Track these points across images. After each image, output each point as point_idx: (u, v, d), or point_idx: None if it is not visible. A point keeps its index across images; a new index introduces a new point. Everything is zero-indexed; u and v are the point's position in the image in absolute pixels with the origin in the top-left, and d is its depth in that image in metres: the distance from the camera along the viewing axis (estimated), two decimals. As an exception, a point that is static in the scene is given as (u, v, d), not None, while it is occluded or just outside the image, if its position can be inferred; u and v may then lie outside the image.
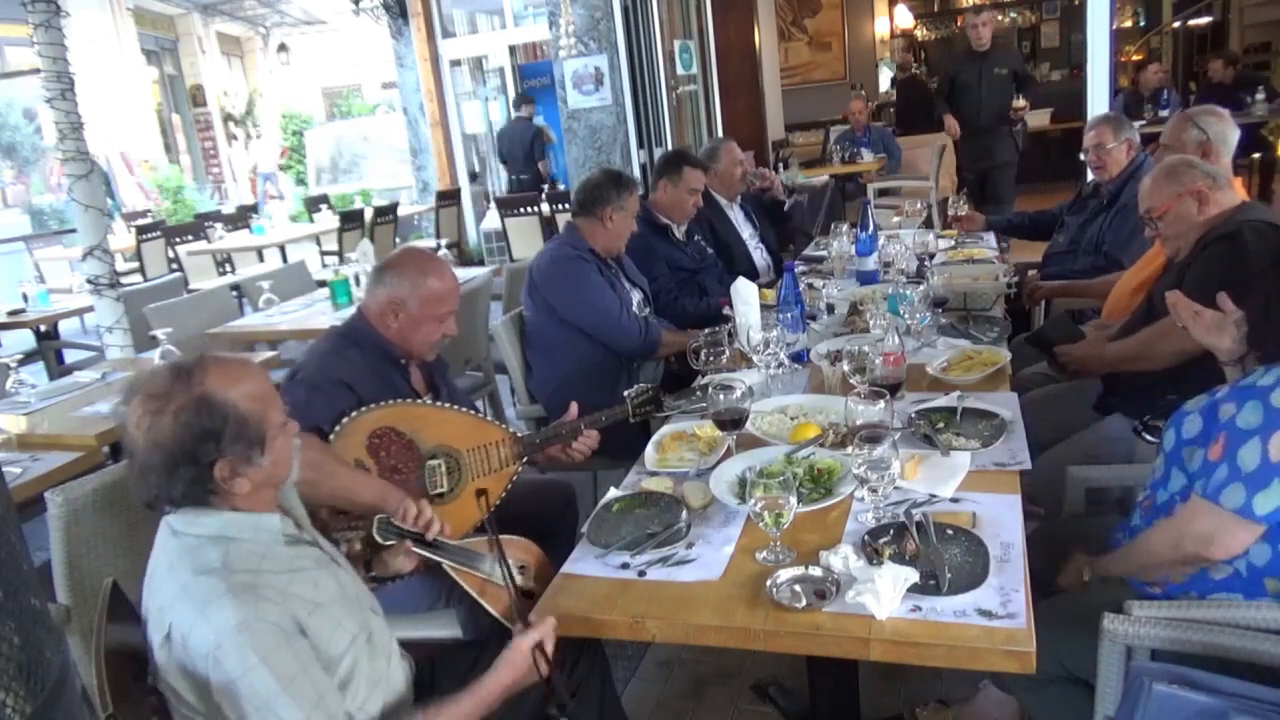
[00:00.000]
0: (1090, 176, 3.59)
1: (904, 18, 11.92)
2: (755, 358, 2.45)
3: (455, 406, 2.07)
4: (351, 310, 2.39)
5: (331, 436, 1.87)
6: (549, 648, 1.46)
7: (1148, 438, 2.15)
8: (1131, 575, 1.67)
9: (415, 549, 1.61)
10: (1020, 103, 6.29)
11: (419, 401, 2.05)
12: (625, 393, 2.18)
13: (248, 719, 1.22)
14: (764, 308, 2.71)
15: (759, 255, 4.01)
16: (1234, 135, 2.84)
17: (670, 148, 6.77)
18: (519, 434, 2.09)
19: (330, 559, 1.47)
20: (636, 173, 6.77)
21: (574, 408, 2.16)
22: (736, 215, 4.03)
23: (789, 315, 2.63)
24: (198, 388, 1.29)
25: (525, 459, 2.08)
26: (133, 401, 1.30)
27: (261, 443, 1.33)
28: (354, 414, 1.89)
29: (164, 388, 1.29)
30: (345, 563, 1.53)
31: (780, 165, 7.69)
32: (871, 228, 3.43)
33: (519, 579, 1.76)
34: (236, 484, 1.31)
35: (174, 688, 1.27)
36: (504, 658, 1.44)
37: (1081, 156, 3.53)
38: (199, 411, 1.27)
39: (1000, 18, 11.36)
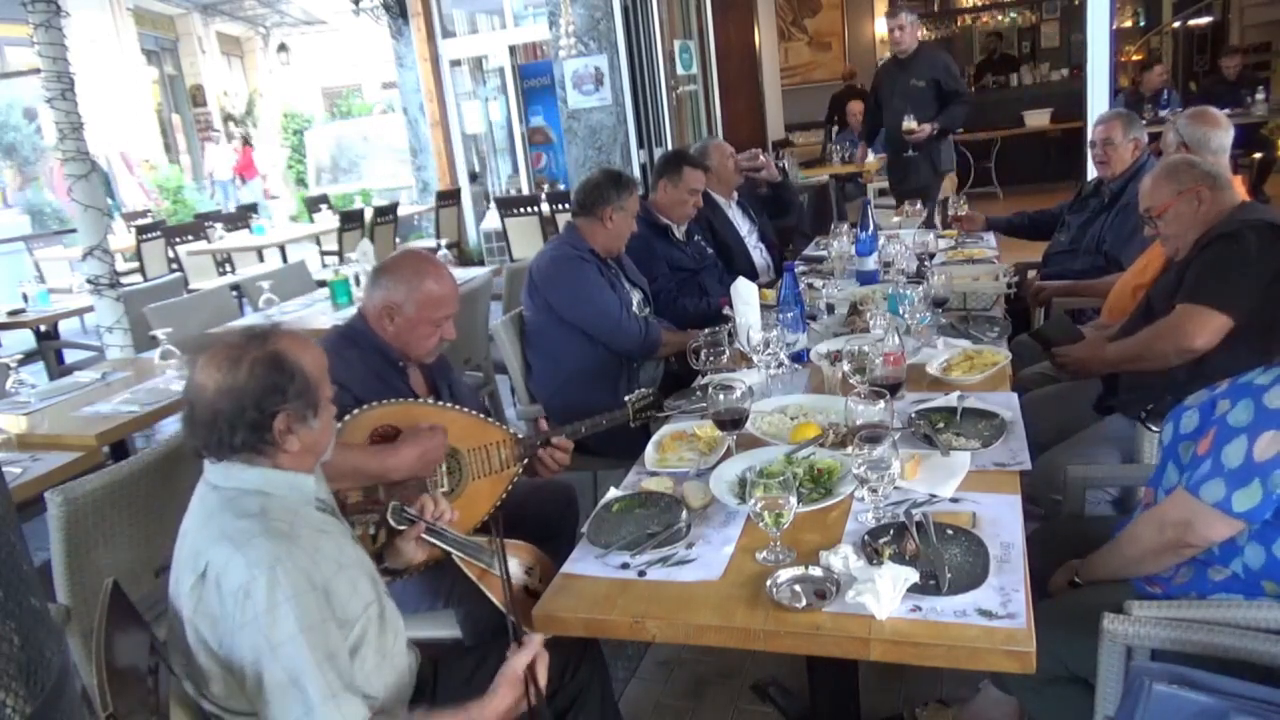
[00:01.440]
0: (1092, 173, 3.59)
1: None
2: (755, 358, 2.45)
3: (457, 406, 2.07)
4: (351, 310, 2.39)
5: (332, 435, 1.87)
6: (541, 670, 1.44)
7: (1151, 427, 2.15)
8: (1120, 571, 1.67)
9: (425, 536, 1.63)
10: (910, 124, 5.37)
11: (421, 401, 2.05)
12: (626, 398, 2.18)
13: (262, 661, 1.26)
14: (764, 308, 2.71)
15: (759, 255, 4.02)
16: (1218, 137, 2.83)
17: (670, 148, 6.77)
18: (520, 435, 2.09)
19: (352, 536, 1.54)
20: (636, 173, 6.77)
21: (542, 423, 2.20)
22: (735, 214, 4.03)
23: (789, 315, 2.62)
24: (272, 345, 1.41)
25: (525, 460, 2.08)
26: (205, 356, 1.41)
27: (316, 406, 1.44)
28: (355, 411, 1.89)
29: (241, 342, 1.41)
30: (362, 545, 1.57)
31: (781, 165, 7.69)
32: (871, 228, 3.43)
33: (526, 580, 1.76)
34: (289, 441, 1.41)
35: (199, 631, 1.31)
36: (501, 679, 1.42)
37: (1088, 150, 3.52)
38: (271, 365, 1.39)
39: (981, 20, 11.37)
